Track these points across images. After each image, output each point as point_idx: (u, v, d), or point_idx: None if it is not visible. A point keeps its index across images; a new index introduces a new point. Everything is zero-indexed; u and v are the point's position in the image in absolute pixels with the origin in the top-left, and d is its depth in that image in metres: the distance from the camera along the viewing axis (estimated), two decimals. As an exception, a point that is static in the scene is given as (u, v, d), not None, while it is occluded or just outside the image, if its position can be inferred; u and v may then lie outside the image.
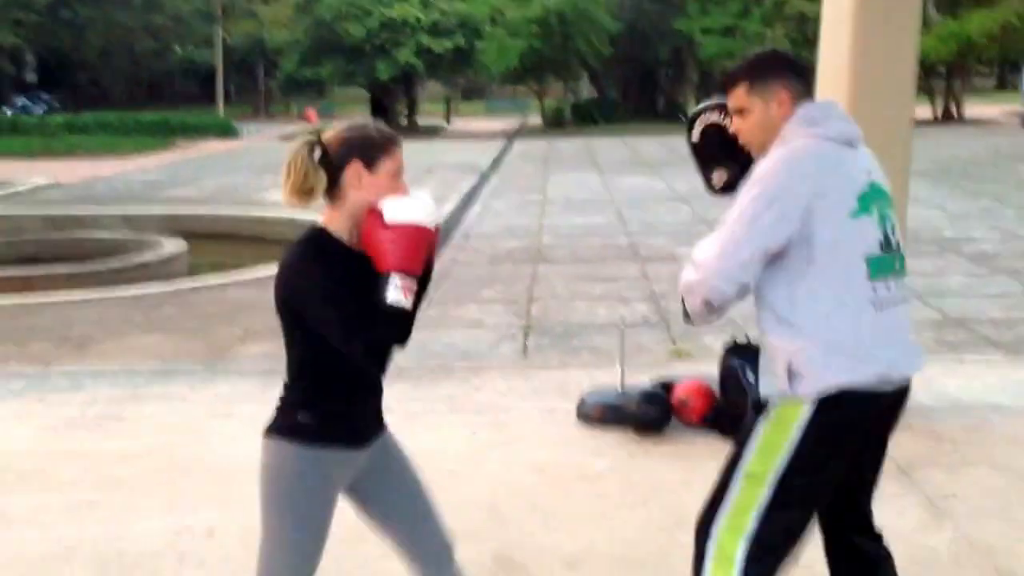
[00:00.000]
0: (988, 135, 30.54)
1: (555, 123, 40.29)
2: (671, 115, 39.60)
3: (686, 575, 2.57)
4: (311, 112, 50.15)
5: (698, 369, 5.74)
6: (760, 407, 2.51)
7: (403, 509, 2.63)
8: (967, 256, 10.56)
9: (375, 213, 2.32)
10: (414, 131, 40.51)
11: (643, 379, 5.51)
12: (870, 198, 2.47)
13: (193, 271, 11.51)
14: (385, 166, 2.38)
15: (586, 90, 48.48)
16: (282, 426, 2.43)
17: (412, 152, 17.55)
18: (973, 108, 41.45)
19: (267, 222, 14.95)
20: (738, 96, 2.56)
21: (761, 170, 2.45)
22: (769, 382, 2.49)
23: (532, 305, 8.64)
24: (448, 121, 46.04)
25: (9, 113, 41.74)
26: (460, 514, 3.37)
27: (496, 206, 15.91)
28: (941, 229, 12.31)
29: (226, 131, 37.82)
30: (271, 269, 10.44)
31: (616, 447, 4.91)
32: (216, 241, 13.99)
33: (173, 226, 13.88)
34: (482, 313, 8.44)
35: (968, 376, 6.03)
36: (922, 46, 35.51)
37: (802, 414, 2.42)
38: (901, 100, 4.94)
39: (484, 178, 20.73)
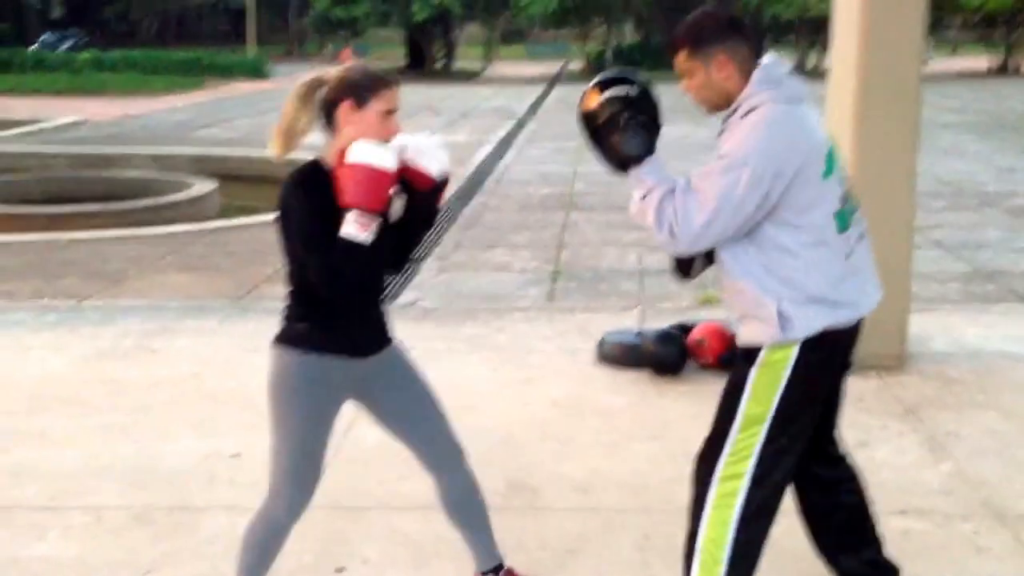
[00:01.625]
0: (1050, 87, 30.19)
1: (597, 68, 40.20)
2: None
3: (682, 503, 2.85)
4: (346, 53, 50.32)
5: (724, 315, 6.01)
6: (749, 354, 2.71)
7: (411, 417, 2.96)
8: (1007, 210, 10.69)
9: (343, 152, 2.61)
10: (451, 75, 40.63)
11: (665, 323, 5.79)
12: (832, 155, 2.68)
13: (223, 212, 11.86)
14: (374, 105, 2.66)
15: (630, 34, 48.24)
16: (283, 335, 2.80)
17: (448, 96, 18.18)
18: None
19: (297, 165, 15.30)
20: (681, 60, 2.71)
21: (742, 139, 2.59)
22: (756, 330, 2.69)
23: (562, 251, 8.92)
24: (486, 65, 46.03)
25: (34, 49, 42.26)
26: (475, 442, 3.67)
27: (531, 152, 16.14)
28: (984, 184, 12.40)
29: (257, 71, 38.16)
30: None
31: (632, 385, 5.22)
32: (246, 183, 14.31)
33: (203, 167, 14.23)
34: (510, 257, 8.73)
35: (988, 326, 6.26)
36: (983, -7, 34.77)
37: (791, 356, 2.66)
38: (910, 54, 5.15)
39: (520, 124, 20.95)
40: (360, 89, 2.67)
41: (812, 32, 40.71)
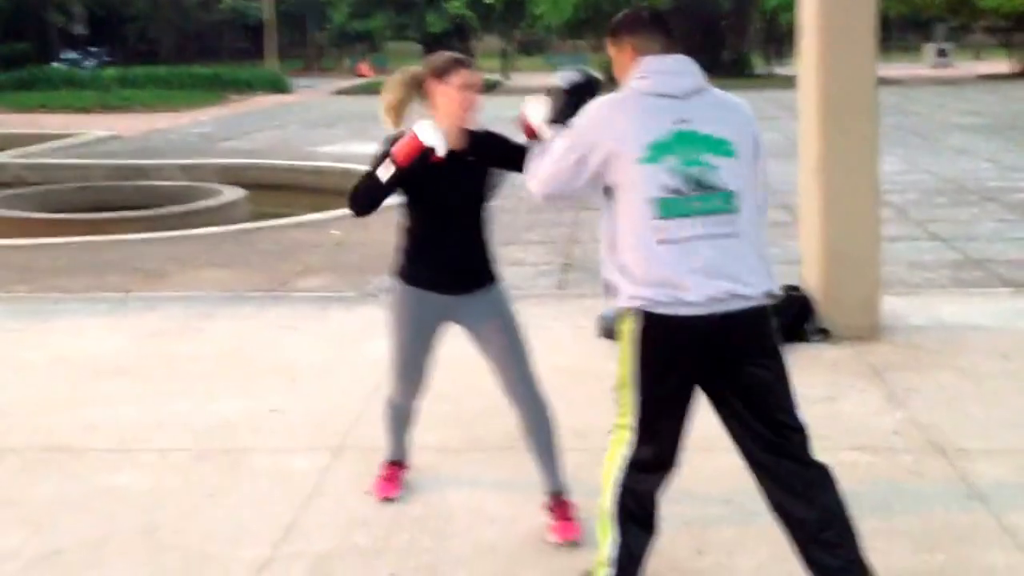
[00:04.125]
0: (1069, 90, 30.67)
1: (613, 77, 40.87)
2: (735, 68, 39.93)
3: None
4: (364, 66, 51.24)
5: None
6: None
7: (494, 357, 3.79)
8: (1005, 205, 11.28)
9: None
10: (468, 86, 41.35)
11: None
12: (667, 147, 2.93)
13: (251, 219, 12.56)
14: (452, 80, 3.49)
15: (649, 43, 48.79)
16: (393, 266, 3.76)
17: None
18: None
19: (323, 172, 16.04)
20: (608, 47, 3.22)
21: (582, 111, 3.09)
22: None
23: (573, 246, 9.59)
24: (506, 76, 46.81)
25: (56, 65, 43.38)
26: (491, 398, 4.37)
27: (546, 158, 16.82)
28: (986, 180, 12.99)
29: (277, 86, 39.05)
30: (326, 213, 11.54)
31: (629, 355, 5.87)
32: (273, 191, 15.03)
33: (231, 177, 14.93)
34: (524, 253, 9.41)
35: (965, 304, 6.90)
36: (997, -2, 35.16)
37: (628, 326, 3.00)
38: (863, 63, 5.85)
39: (537, 132, 21.64)
40: (441, 69, 3.53)
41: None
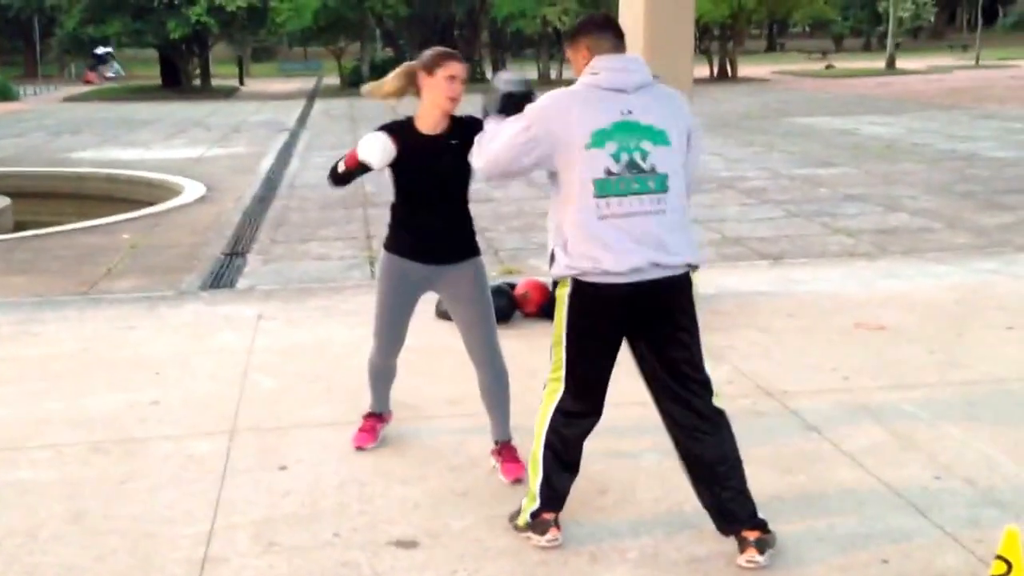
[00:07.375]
0: (759, 92, 33.46)
1: (353, 83, 40.90)
2: (471, 73, 40.78)
3: (532, 406, 3.69)
4: (91, 74, 48.77)
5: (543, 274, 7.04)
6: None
7: (461, 322, 4.11)
8: (741, 191, 12.38)
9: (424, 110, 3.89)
10: (208, 92, 40.27)
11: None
12: (608, 134, 3.22)
13: (19, 228, 11.84)
14: (439, 73, 3.78)
15: (380, 50, 49.14)
16: (384, 239, 4.12)
17: (213, 112, 18.99)
18: (746, 68, 44.78)
19: (85, 178, 15.33)
20: (566, 48, 3.53)
21: (536, 102, 3.39)
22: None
23: (372, 240, 9.75)
24: (242, 82, 45.83)
25: None
26: (356, 380, 4.54)
27: (315, 160, 16.80)
28: (720, 171, 14.15)
29: (4, 94, 36.61)
30: (113, 218, 11.09)
31: (471, 332, 6.15)
32: (32, 199, 14.17)
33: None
34: (327, 249, 9.49)
35: (741, 276, 7.65)
36: (698, 9, 38.13)
37: (566, 291, 3.35)
38: (682, 60, 6.39)
39: (294, 135, 21.51)
40: (429, 61, 3.77)
41: (552, 45, 42.92)
